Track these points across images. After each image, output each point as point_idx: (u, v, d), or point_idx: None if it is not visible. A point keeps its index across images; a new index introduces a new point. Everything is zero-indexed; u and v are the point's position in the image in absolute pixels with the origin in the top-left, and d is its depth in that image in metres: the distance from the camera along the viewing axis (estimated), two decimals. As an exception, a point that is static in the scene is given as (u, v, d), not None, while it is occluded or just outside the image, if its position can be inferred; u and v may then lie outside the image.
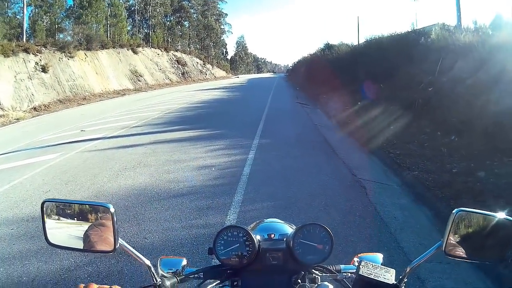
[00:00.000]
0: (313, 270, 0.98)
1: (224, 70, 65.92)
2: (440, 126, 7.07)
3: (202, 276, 1.00)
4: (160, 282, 0.90)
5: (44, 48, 21.64)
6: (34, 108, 16.99)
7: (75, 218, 0.87)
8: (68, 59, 23.12)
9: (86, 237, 0.86)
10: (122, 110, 14.98)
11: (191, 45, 58.01)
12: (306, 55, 39.81)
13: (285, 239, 1.04)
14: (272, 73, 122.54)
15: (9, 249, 3.38)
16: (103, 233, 0.84)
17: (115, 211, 0.84)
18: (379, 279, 0.84)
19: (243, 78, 59.04)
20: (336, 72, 16.97)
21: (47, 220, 0.86)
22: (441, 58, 8.76)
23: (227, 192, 4.61)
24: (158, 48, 39.48)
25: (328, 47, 25.22)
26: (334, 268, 1.01)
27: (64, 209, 0.88)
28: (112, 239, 0.83)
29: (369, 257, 1.04)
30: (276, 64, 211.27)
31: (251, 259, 0.97)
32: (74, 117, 13.82)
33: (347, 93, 13.09)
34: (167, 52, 40.81)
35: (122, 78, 28.53)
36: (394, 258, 2.96)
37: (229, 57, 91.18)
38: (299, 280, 0.92)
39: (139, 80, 30.48)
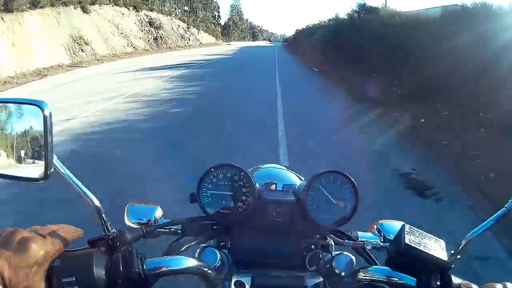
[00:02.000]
0: (328, 234, 0.77)
1: (213, 35, 56.30)
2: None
3: (179, 231, 0.78)
4: (115, 234, 0.60)
5: None
6: None
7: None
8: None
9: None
10: None
11: (174, 6, 48.42)
12: (324, 20, 31.31)
13: (291, 191, 0.84)
14: (268, 42, 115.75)
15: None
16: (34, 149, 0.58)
17: (50, 113, 0.55)
18: (430, 252, 0.62)
19: (235, 45, 50.31)
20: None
21: None
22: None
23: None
24: (125, 6, 30.02)
25: (367, 9, 16.29)
26: (352, 235, 0.80)
27: None
28: (43, 159, 0.55)
29: (389, 224, 0.84)
30: (272, 32, 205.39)
31: (248, 213, 0.75)
32: None
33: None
34: (137, 11, 31.34)
35: (56, 48, 19.51)
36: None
37: (222, 22, 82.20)
38: (312, 246, 0.72)
39: (82, 50, 21.43)
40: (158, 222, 0.80)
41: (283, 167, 1.02)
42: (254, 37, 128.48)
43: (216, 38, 56.73)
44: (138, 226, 0.76)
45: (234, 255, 0.75)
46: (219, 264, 0.70)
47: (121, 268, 0.57)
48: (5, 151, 0.60)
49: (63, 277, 0.52)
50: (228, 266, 0.73)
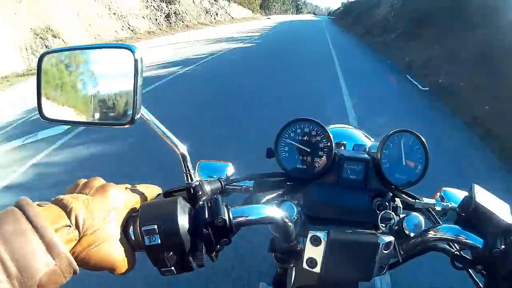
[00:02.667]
0: (399, 194, 0.76)
1: (249, 8, 47.07)
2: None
3: (251, 187, 0.78)
4: (198, 183, 0.60)
5: None
6: None
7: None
8: None
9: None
10: None
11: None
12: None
13: (363, 149, 0.87)
14: (313, 15, 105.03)
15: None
16: (122, 94, 0.59)
17: (141, 58, 0.55)
18: (496, 213, 0.65)
19: (275, 20, 41.17)
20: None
21: (44, 83, 0.59)
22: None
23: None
24: None
25: None
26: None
27: (70, 62, 0.61)
28: (131, 105, 0.56)
29: (453, 192, 0.83)
30: (316, 5, 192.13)
31: (324, 169, 0.75)
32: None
33: None
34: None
35: (7, 50, 11.86)
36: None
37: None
38: (385, 204, 0.72)
39: (46, 47, 13.70)
40: (230, 178, 0.77)
41: (353, 127, 1.00)
42: (298, 10, 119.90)
43: (253, 11, 47.47)
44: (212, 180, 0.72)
45: (309, 211, 0.74)
46: (296, 218, 0.69)
47: (207, 216, 0.56)
48: (94, 100, 0.59)
49: (142, 225, 0.51)
50: (301, 222, 0.72)
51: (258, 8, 54.81)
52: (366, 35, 17.84)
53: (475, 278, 0.70)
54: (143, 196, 0.56)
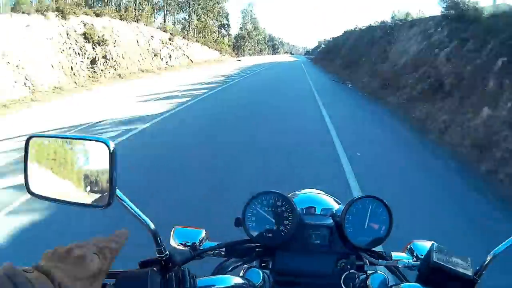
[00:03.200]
0: (363, 255, 0.82)
1: (216, 48, 42.37)
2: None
3: (223, 252, 0.83)
4: (168, 256, 0.66)
5: None
6: None
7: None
8: None
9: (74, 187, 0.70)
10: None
11: (166, 12, 35.69)
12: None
13: (329, 214, 0.91)
14: (290, 55, 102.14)
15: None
16: (98, 180, 0.67)
17: (114, 149, 0.62)
18: (457, 269, 0.68)
19: (245, 62, 36.59)
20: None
21: (30, 162, 0.68)
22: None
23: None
24: (39, 12, 16.67)
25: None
26: (386, 255, 0.85)
27: (52, 148, 0.69)
28: (108, 190, 0.64)
29: (422, 244, 0.87)
30: (293, 45, 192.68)
31: (289, 236, 0.81)
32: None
33: None
34: (65, 17, 17.71)
35: None
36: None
37: (233, 33, 69.39)
38: (348, 266, 0.77)
39: None
40: (202, 244, 0.84)
41: (322, 192, 1.04)
42: (274, 50, 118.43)
43: (220, 52, 42.76)
44: (184, 248, 0.81)
45: (276, 275, 0.79)
46: (261, 284, 0.73)
47: (175, 286, 0.62)
48: (74, 183, 0.66)
49: None
50: (270, 285, 0.76)
51: (227, 48, 50.28)
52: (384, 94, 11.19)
53: None
54: (116, 247, 0.59)
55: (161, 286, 0.60)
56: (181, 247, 0.83)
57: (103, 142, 0.62)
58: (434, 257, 0.69)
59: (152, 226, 0.66)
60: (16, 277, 0.44)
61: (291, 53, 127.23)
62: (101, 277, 0.56)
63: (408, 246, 0.89)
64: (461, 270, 0.67)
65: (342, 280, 0.74)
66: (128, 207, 0.65)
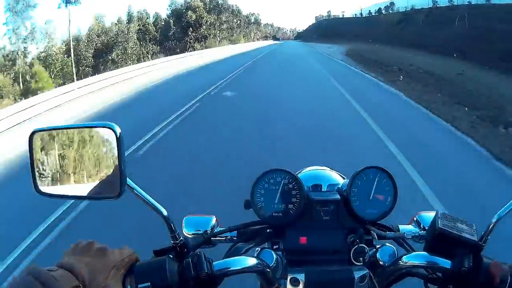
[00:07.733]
0: (371, 228, 0.82)
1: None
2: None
3: (235, 237, 0.85)
4: (182, 242, 0.69)
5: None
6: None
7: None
8: None
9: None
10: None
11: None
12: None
13: (336, 189, 0.88)
14: (273, 40, 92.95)
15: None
16: (107, 169, 0.65)
17: (121, 133, 0.59)
18: (462, 234, 0.69)
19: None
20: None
21: (36, 159, 0.64)
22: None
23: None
24: None
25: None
26: (393, 228, 0.87)
27: (58, 141, 0.65)
28: (118, 178, 0.60)
29: (427, 215, 0.89)
30: (278, 27, 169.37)
31: (298, 214, 0.80)
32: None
33: None
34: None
35: None
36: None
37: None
38: (357, 240, 0.77)
39: None
40: (214, 230, 0.85)
41: (327, 168, 1.02)
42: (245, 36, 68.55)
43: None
44: (195, 235, 0.83)
45: (288, 255, 0.79)
46: (275, 264, 0.73)
47: (192, 271, 0.63)
48: (82, 175, 0.63)
49: (138, 283, 0.59)
50: (282, 265, 0.76)
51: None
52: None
53: None
54: (133, 256, 0.60)
55: (179, 272, 0.62)
56: (192, 235, 0.85)
57: (108, 128, 0.60)
58: (439, 223, 0.70)
59: (165, 212, 0.67)
60: (41, 276, 0.46)
61: (274, 38, 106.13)
62: (122, 268, 0.57)
63: (414, 219, 0.91)
64: (466, 235, 0.68)
65: (351, 254, 0.75)
66: (140, 194, 0.64)
